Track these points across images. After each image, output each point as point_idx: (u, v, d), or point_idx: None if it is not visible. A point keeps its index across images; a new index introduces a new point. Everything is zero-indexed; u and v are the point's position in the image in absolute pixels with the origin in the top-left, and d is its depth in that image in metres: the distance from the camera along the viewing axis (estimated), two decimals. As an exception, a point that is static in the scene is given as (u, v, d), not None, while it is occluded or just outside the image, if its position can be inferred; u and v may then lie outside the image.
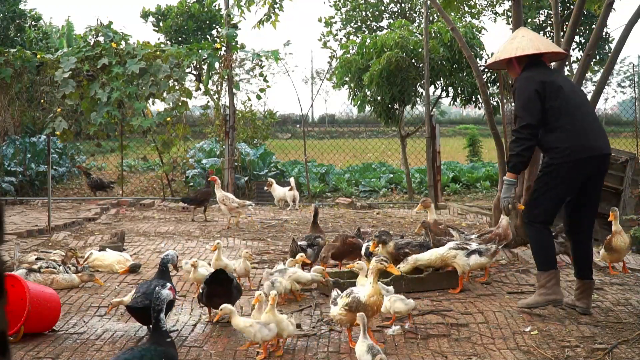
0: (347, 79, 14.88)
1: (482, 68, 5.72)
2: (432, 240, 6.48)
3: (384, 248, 6.16)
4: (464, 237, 6.95)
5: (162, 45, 13.98)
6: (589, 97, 6.79)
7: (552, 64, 6.40)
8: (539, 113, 5.02)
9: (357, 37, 22.13)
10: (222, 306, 4.36)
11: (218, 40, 19.49)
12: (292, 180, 12.21)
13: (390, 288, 5.07)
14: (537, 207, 5.12)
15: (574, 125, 4.99)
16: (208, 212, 11.11)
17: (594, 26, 11.78)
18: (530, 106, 5.02)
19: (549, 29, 19.55)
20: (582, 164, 4.95)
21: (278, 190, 12.11)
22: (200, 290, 4.95)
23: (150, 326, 4.77)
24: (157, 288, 3.74)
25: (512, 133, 5.21)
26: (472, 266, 5.89)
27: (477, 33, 14.84)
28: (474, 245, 6.02)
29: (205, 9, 27.08)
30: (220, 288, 4.79)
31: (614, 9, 7.57)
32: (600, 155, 5.02)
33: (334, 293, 4.57)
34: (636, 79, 21.10)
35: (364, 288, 4.37)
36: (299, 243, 6.51)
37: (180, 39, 27.23)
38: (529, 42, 5.28)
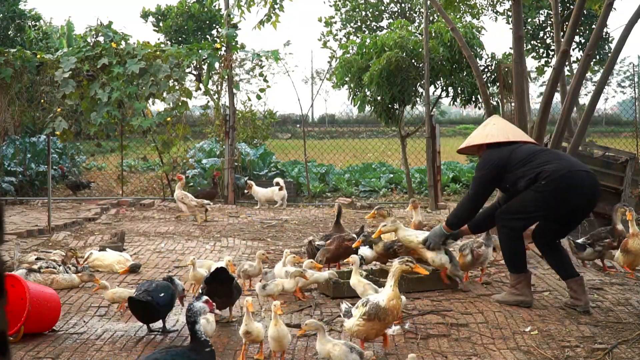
0: (347, 79, 14.88)
1: (459, 149, 5.92)
2: None
3: (374, 248, 6.17)
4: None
5: (162, 45, 13.98)
6: (588, 97, 6.81)
7: (553, 60, 6.42)
8: (491, 186, 5.41)
9: (357, 37, 22.11)
10: (307, 322, 4.00)
11: (218, 40, 19.49)
12: (280, 180, 12.30)
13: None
14: (520, 221, 5.23)
15: (547, 160, 5.11)
16: (208, 213, 11.09)
17: (594, 26, 11.77)
18: (483, 181, 5.34)
19: (549, 29, 19.54)
20: (563, 189, 5.00)
21: (260, 192, 12.11)
22: (200, 290, 4.94)
23: (149, 325, 4.83)
24: (192, 299, 3.62)
25: (468, 196, 5.52)
26: (439, 264, 5.74)
27: (477, 33, 14.84)
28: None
29: (205, 9, 27.07)
30: (220, 287, 4.78)
31: (614, 9, 7.57)
32: (587, 172, 5.14)
33: (343, 306, 4.27)
34: (636, 79, 21.11)
35: (381, 292, 4.15)
36: (317, 243, 6.54)
37: (180, 39, 27.22)
38: (499, 130, 5.51)
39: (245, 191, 12.39)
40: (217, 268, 4.86)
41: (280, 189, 12.06)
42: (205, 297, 3.62)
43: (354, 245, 6.11)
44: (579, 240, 6.78)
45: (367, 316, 4.06)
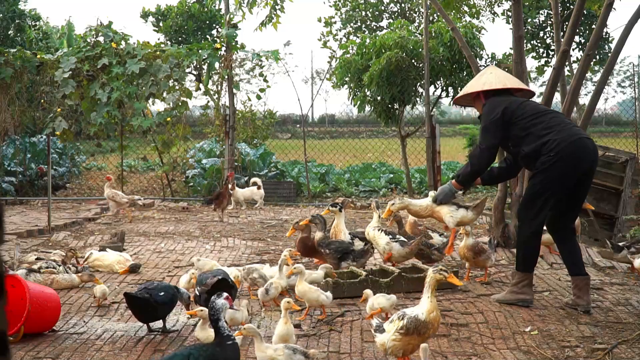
0: (347, 79, 14.88)
1: (455, 98, 5.93)
2: (403, 235, 6.68)
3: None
4: (442, 238, 7.03)
5: (162, 45, 13.97)
6: (588, 97, 6.82)
7: (554, 60, 6.45)
8: (501, 133, 5.30)
9: (357, 37, 22.12)
10: (246, 326, 3.96)
11: (218, 40, 19.49)
12: (258, 179, 12.35)
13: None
14: (536, 214, 5.19)
15: (551, 125, 5.13)
16: (207, 213, 11.10)
17: (594, 26, 11.77)
18: (493, 128, 5.30)
19: (549, 29, 19.54)
20: (573, 156, 5.03)
21: (239, 192, 12.09)
22: (198, 293, 4.94)
23: (149, 324, 4.84)
24: (212, 297, 3.63)
25: (475, 150, 5.47)
26: (459, 219, 5.75)
27: (477, 33, 14.84)
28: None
29: (205, 9, 27.08)
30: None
31: (615, 9, 7.56)
32: (588, 139, 5.16)
33: (374, 322, 4.02)
34: (636, 79, 21.10)
35: (420, 304, 3.89)
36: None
37: (180, 39, 27.22)
38: (496, 78, 5.53)
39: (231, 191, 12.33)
40: (219, 279, 4.83)
41: (259, 188, 12.11)
42: (225, 294, 3.66)
43: (300, 225, 6.39)
44: (620, 243, 6.80)
45: (404, 330, 3.78)
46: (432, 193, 5.86)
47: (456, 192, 5.67)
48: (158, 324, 4.84)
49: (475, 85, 5.63)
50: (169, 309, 4.83)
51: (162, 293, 4.73)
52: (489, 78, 5.56)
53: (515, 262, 5.44)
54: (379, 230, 6.48)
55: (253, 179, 12.43)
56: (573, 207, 5.32)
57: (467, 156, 5.54)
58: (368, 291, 4.86)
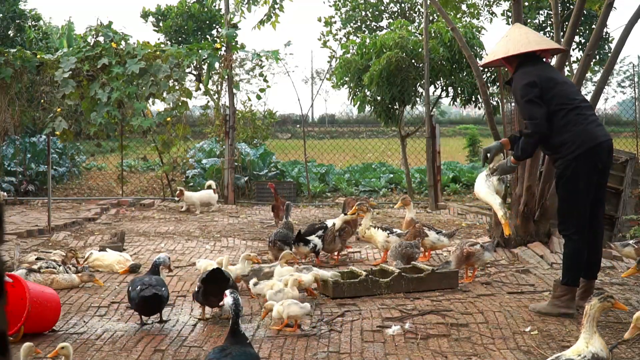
0: (347, 79, 14.87)
1: (480, 67, 5.72)
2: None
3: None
4: (439, 236, 7.03)
5: (162, 45, 13.97)
6: (588, 97, 6.79)
7: (553, 60, 6.42)
8: (544, 104, 5.05)
9: (357, 37, 22.10)
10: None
11: (218, 40, 19.48)
12: (212, 182, 12.13)
13: (306, 304, 4.82)
14: (570, 215, 5.07)
15: (576, 120, 5.02)
16: (207, 213, 11.08)
17: (594, 26, 11.77)
18: (538, 100, 5.05)
19: (549, 29, 19.54)
20: (592, 153, 4.98)
21: (194, 196, 11.86)
22: (196, 289, 4.98)
23: (142, 319, 4.91)
24: (235, 294, 3.69)
25: (526, 127, 5.12)
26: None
27: (477, 33, 14.84)
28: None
29: (205, 9, 27.07)
30: (216, 287, 4.82)
31: (615, 8, 7.55)
32: (606, 142, 5.06)
33: None
34: (636, 79, 21.09)
35: (584, 340, 3.43)
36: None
37: (180, 39, 27.21)
38: (526, 38, 5.28)
39: (176, 198, 12.10)
40: (213, 269, 4.91)
41: (215, 191, 11.95)
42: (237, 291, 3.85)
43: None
44: (630, 241, 6.79)
45: None
46: (489, 167, 5.52)
47: (514, 167, 5.48)
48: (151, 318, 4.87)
49: (504, 48, 5.34)
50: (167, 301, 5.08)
51: (163, 288, 4.95)
52: (518, 39, 5.28)
53: (562, 274, 5.22)
54: (374, 228, 6.48)
55: (208, 182, 12.19)
56: (597, 204, 5.18)
57: (521, 133, 5.31)
58: (269, 304, 4.82)
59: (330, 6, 24.93)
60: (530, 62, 5.24)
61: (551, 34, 19.01)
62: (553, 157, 5.23)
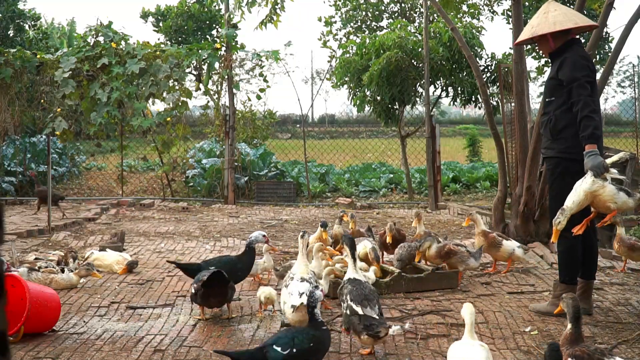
0: (346, 79, 14.88)
1: (519, 40, 5.42)
2: (383, 244, 6.68)
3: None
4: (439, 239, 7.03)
5: (162, 46, 13.97)
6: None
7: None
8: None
9: (357, 37, 22.10)
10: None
11: (218, 40, 19.48)
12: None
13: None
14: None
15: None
16: (207, 213, 11.08)
17: (594, 26, 11.74)
18: (592, 78, 4.99)
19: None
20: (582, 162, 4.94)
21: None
22: (194, 290, 4.96)
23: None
24: (311, 288, 4.18)
25: (587, 101, 4.87)
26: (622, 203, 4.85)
27: (477, 33, 14.84)
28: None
29: (205, 9, 27.08)
30: (216, 289, 4.81)
31: (614, 8, 7.55)
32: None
33: None
34: (636, 79, 21.11)
35: None
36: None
37: (180, 39, 27.22)
38: (565, 16, 5.16)
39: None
40: (214, 271, 4.86)
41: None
42: (322, 288, 4.22)
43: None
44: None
45: None
46: (589, 175, 4.86)
47: (596, 152, 4.87)
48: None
49: (543, 24, 5.16)
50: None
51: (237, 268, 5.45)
52: (558, 17, 5.14)
53: (559, 273, 5.21)
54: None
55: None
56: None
57: (583, 117, 4.96)
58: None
59: (330, 6, 24.95)
60: (577, 42, 5.15)
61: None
62: (550, 148, 5.14)
